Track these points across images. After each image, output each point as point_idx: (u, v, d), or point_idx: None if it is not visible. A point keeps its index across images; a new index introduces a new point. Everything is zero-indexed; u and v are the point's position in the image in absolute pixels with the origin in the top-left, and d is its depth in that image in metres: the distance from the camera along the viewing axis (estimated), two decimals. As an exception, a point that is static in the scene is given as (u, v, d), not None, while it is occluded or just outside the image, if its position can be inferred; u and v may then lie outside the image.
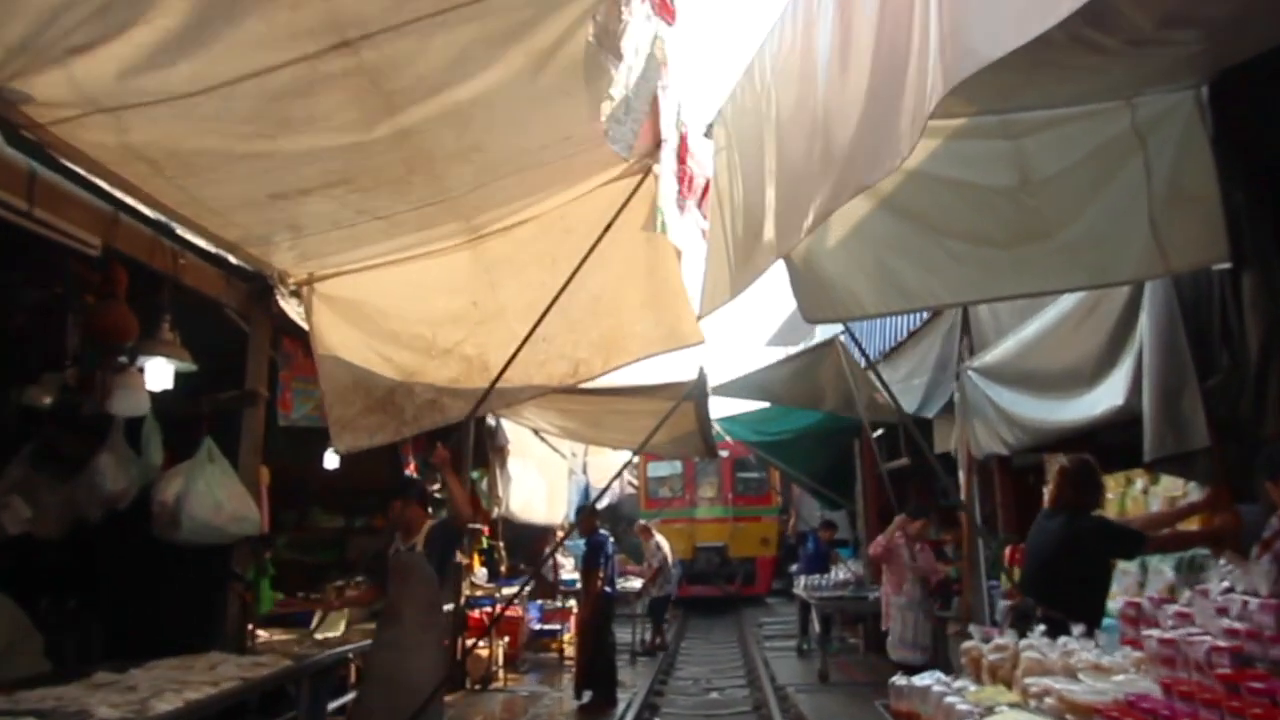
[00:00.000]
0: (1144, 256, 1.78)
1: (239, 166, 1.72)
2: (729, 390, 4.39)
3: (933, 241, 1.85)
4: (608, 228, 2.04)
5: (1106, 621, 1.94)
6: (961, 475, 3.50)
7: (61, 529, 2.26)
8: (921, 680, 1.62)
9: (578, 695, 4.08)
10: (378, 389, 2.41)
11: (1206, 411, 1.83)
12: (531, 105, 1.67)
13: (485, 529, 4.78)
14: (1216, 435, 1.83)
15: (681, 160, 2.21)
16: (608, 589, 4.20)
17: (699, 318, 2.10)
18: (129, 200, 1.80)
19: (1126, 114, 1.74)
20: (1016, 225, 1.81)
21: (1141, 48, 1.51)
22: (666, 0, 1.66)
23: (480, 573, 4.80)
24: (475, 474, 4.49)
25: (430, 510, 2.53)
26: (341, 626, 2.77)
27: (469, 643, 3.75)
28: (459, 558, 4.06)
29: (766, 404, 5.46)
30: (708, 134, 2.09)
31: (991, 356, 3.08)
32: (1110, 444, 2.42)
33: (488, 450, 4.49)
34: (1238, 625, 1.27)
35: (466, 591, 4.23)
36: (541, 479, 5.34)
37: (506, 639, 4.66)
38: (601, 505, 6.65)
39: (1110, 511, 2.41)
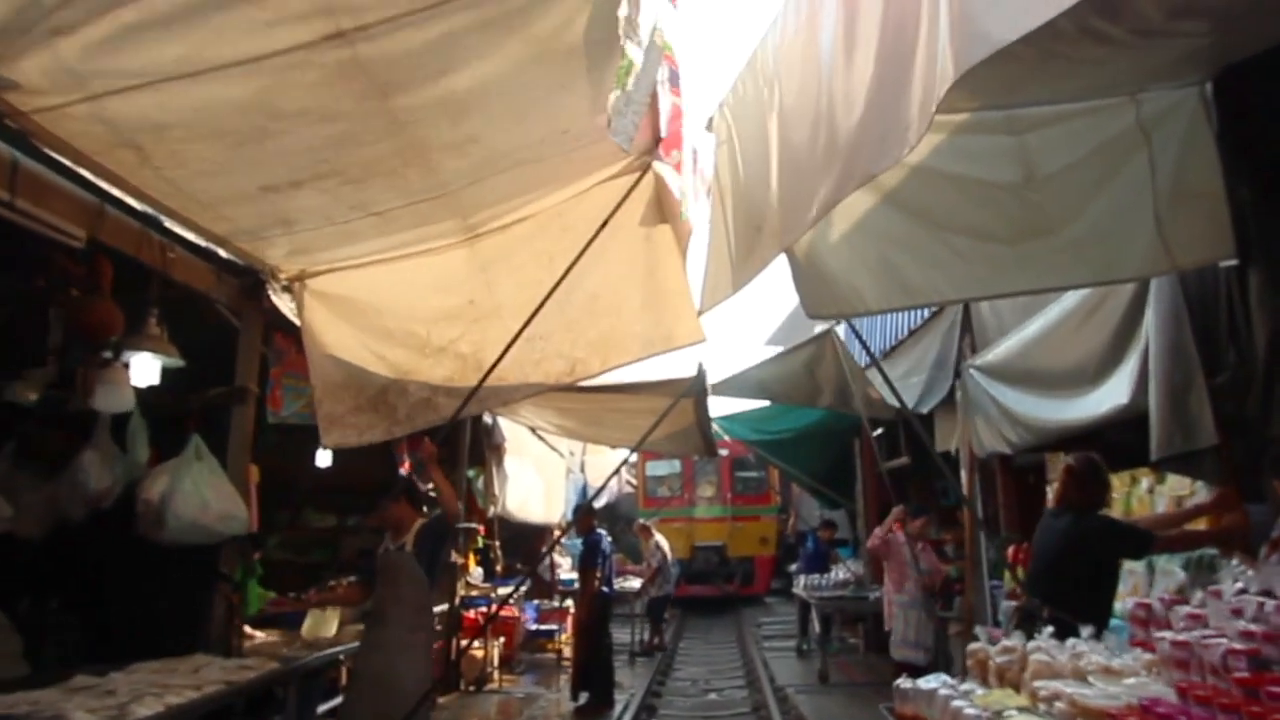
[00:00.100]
0: (1149, 253, 1.76)
1: (228, 157, 1.67)
2: (726, 389, 4.36)
3: (936, 237, 1.83)
4: (604, 224, 2.01)
5: (1113, 622, 1.91)
6: (964, 474, 3.47)
7: (43, 528, 2.21)
8: (927, 683, 1.59)
9: (574, 697, 4.04)
10: (370, 387, 2.37)
11: (1213, 410, 1.81)
12: (528, 96, 1.63)
13: (481, 528, 4.73)
14: (1224, 434, 1.81)
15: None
16: (605, 589, 4.16)
17: (700, 313, 2.06)
18: (115, 192, 1.75)
19: (1131, 110, 1.72)
20: (1020, 221, 1.80)
21: (1149, 39, 1.49)
22: (669, -18, 1.62)
23: (476, 572, 4.76)
24: (471, 472, 4.45)
25: (425, 509, 2.47)
26: (333, 627, 2.71)
27: (463, 643, 3.70)
28: (454, 557, 4.03)
29: (765, 402, 5.44)
30: (708, 127, 2.06)
31: (994, 355, 3.06)
32: (1115, 443, 2.39)
33: (484, 448, 4.45)
34: (1254, 627, 1.24)
35: (461, 591, 4.19)
36: (539, 478, 5.30)
37: (502, 639, 4.61)
38: (599, 504, 6.64)
39: (1116, 511, 2.38)
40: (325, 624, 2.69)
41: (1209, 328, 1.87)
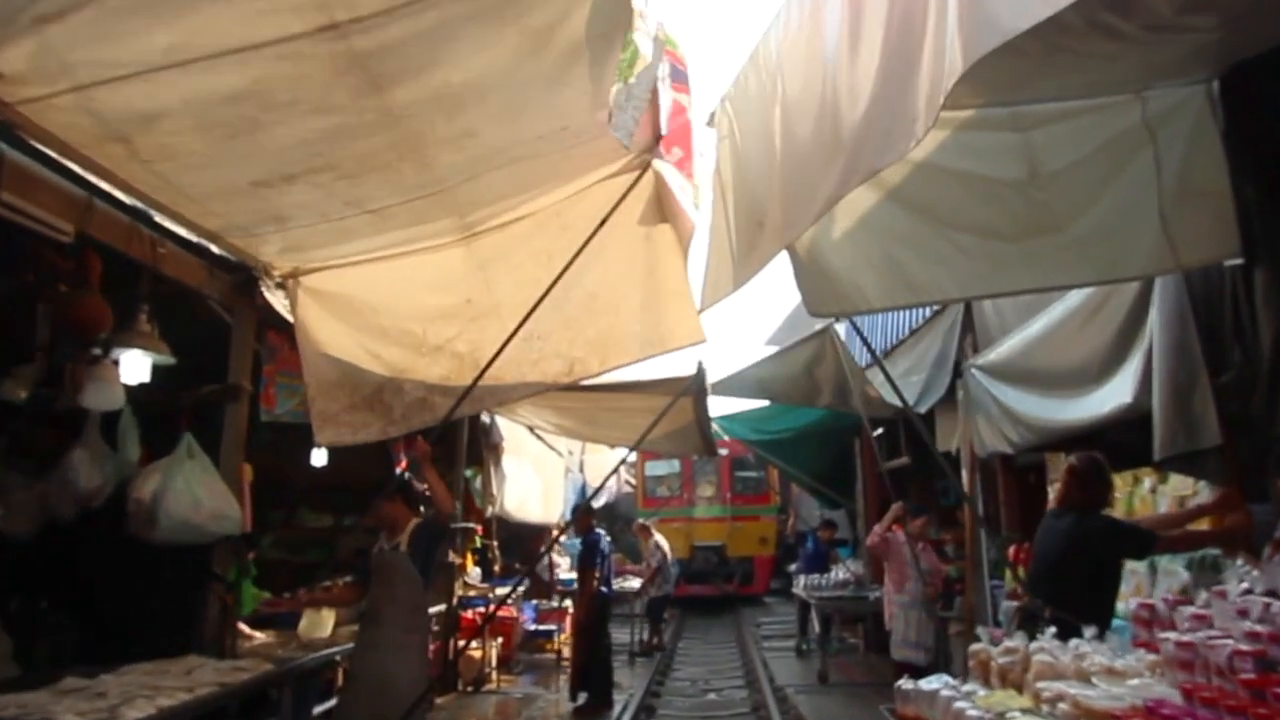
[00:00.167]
0: (1154, 251, 1.75)
1: (218, 150, 1.64)
2: (724, 388, 4.34)
3: (940, 235, 1.81)
4: (603, 222, 1.99)
5: (1115, 622, 1.90)
6: (965, 474, 3.46)
7: (33, 527, 2.18)
8: (929, 684, 1.57)
9: (573, 697, 4.01)
10: (365, 386, 2.34)
11: (1218, 409, 1.80)
12: (526, 90, 1.60)
13: (479, 528, 4.71)
14: (1228, 433, 1.80)
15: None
16: (603, 589, 4.14)
17: (701, 310, 2.04)
18: (104, 185, 1.72)
19: (1137, 107, 1.71)
20: (1025, 219, 1.78)
21: (1158, 34, 1.47)
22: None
23: (474, 572, 4.73)
24: (469, 472, 4.42)
25: (421, 508, 2.44)
26: (328, 627, 2.68)
27: (461, 643, 3.67)
28: (451, 557, 4.00)
29: (765, 402, 5.42)
30: (710, 122, 2.03)
31: (996, 354, 3.04)
32: (1117, 443, 2.38)
33: (481, 448, 4.42)
34: (1260, 628, 1.22)
35: (459, 592, 4.16)
36: (537, 477, 5.27)
37: (500, 640, 4.59)
38: (598, 504, 6.62)
39: (1118, 511, 2.37)
40: (320, 624, 2.66)
41: (1214, 327, 1.87)
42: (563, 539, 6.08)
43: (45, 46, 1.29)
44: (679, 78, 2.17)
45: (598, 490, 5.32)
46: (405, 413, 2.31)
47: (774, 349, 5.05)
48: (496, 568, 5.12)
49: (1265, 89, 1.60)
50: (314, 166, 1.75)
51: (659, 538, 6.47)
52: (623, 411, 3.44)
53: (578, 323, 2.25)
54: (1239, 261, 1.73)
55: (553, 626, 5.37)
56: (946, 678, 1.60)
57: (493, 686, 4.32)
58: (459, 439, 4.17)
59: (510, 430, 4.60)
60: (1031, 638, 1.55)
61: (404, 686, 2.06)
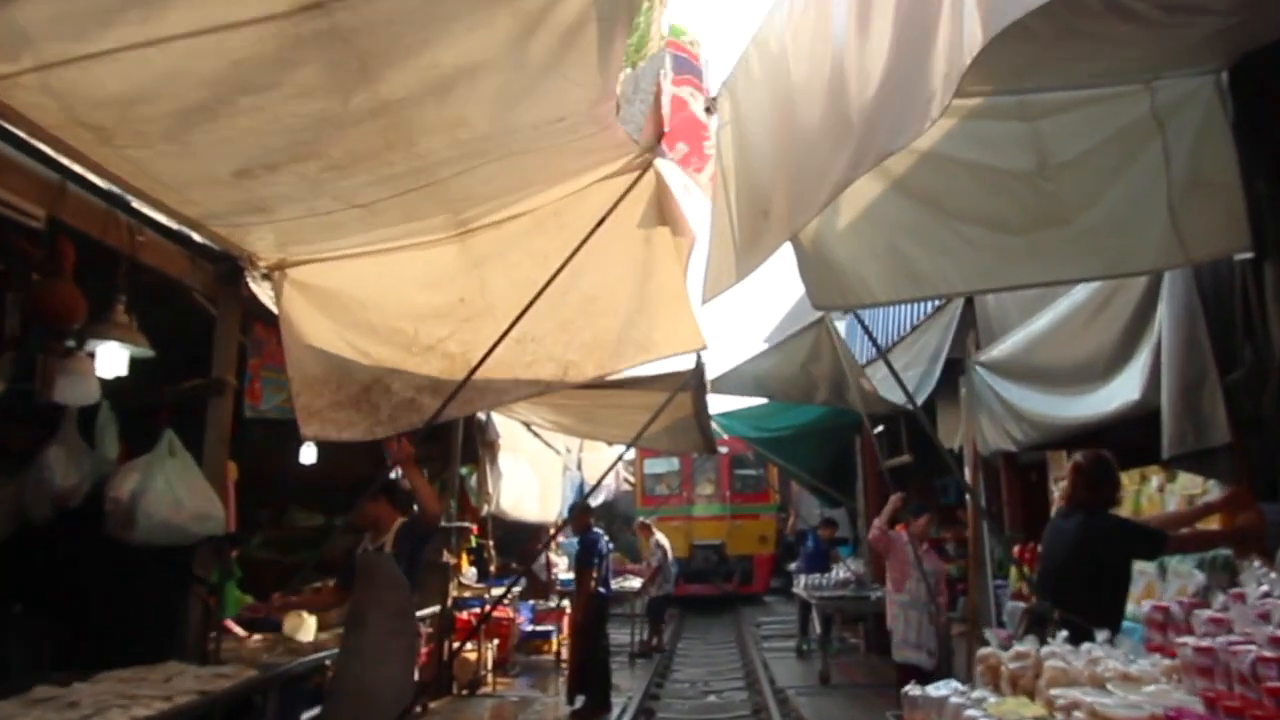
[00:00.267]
0: (1163, 245, 1.71)
1: (196, 137, 1.56)
2: (720, 386, 4.28)
3: (946, 226, 1.77)
4: (600, 223, 1.93)
5: (1124, 624, 1.85)
6: (967, 472, 3.41)
7: (7, 528, 2.11)
8: (937, 690, 1.52)
9: (570, 700, 3.95)
10: (351, 384, 2.27)
11: (1227, 407, 1.76)
12: (519, 76, 1.52)
13: (474, 527, 4.64)
14: (1238, 431, 1.76)
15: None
16: (601, 589, 4.08)
17: (703, 302, 1.98)
18: (77, 169, 1.64)
19: (1146, 98, 1.68)
20: (1033, 210, 1.74)
21: (1173, 16, 1.42)
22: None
23: (469, 572, 4.66)
24: (464, 470, 4.35)
25: (407, 508, 2.36)
26: (311, 630, 2.61)
27: (456, 645, 3.60)
28: (446, 557, 3.93)
29: (764, 400, 5.38)
30: (710, 109, 1.97)
31: (1000, 351, 2.99)
32: (1122, 441, 2.34)
33: (477, 445, 4.35)
34: (1285, 634, 1.17)
35: (454, 592, 4.09)
36: (534, 475, 5.21)
37: (496, 641, 4.53)
38: (596, 502, 6.56)
39: (1124, 510, 2.32)
40: (304, 626, 2.58)
41: (1223, 323, 1.84)
42: (560, 538, 6.02)
43: (7, 22, 1.21)
44: (683, 69, 2.11)
45: (595, 488, 5.25)
46: (393, 413, 2.25)
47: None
48: (492, 568, 5.05)
49: (1275, 80, 1.57)
50: (298, 155, 1.67)
51: (660, 536, 6.41)
52: (621, 408, 3.38)
53: (574, 325, 2.19)
54: (1249, 256, 1.70)
55: (550, 627, 5.31)
56: (955, 684, 1.55)
57: (488, 689, 4.27)
58: (454, 436, 4.10)
59: (507, 427, 4.54)
60: (1041, 641, 1.50)
61: (389, 694, 2.00)
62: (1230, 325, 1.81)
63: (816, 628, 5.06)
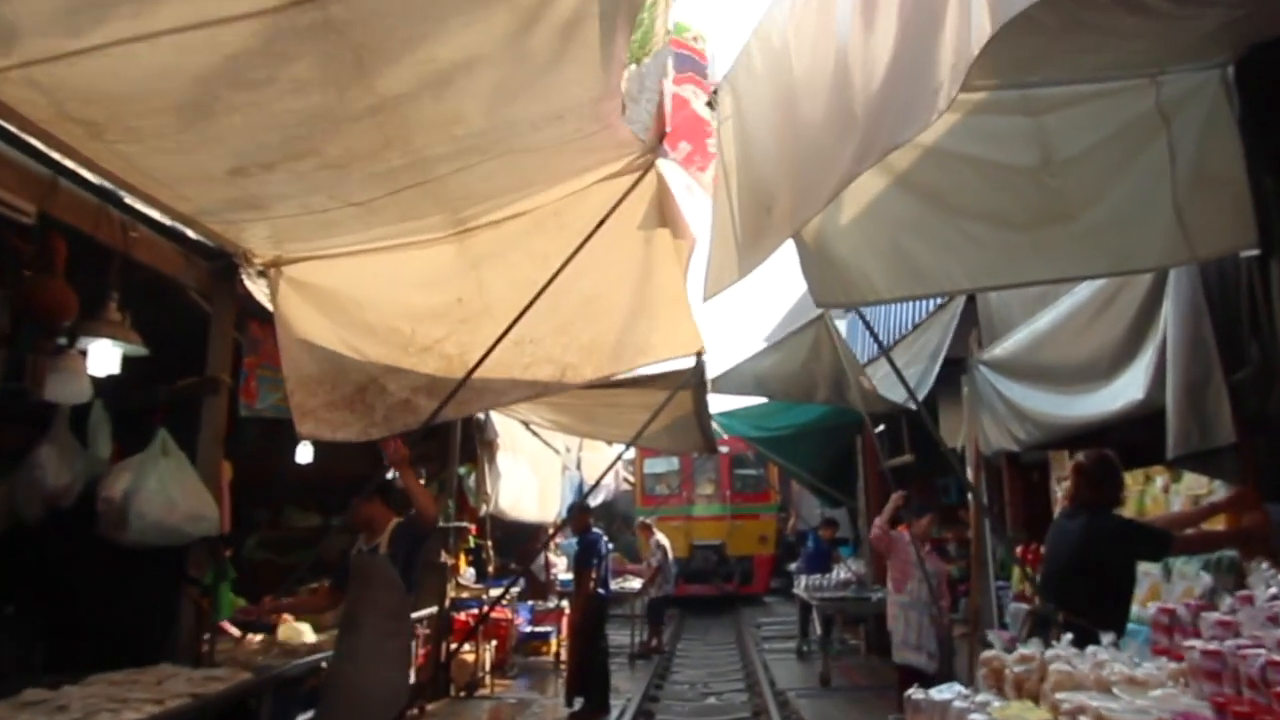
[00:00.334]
0: (1168, 242, 1.69)
1: (189, 134, 1.54)
2: (719, 385, 4.26)
3: (949, 222, 1.75)
4: (600, 224, 1.91)
5: (1128, 626, 1.83)
6: (970, 472, 3.38)
7: (-1, 528, 2.08)
8: (940, 694, 1.49)
9: (569, 702, 3.92)
10: (346, 384, 2.24)
11: (1233, 406, 1.73)
12: (517, 72, 1.50)
13: (472, 528, 4.61)
14: (1244, 431, 1.73)
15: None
16: (601, 590, 4.05)
17: (705, 299, 1.96)
18: (69, 163, 1.61)
19: (1151, 92, 1.66)
20: (1037, 207, 1.72)
21: (1181, 7, 1.40)
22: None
23: (467, 573, 4.63)
24: (462, 470, 4.32)
25: (402, 509, 2.34)
26: (309, 631, 2.58)
27: (453, 647, 3.57)
28: (444, 557, 3.90)
29: (764, 399, 5.35)
30: (710, 103, 1.94)
31: (1002, 349, 2.97)
32: (1126, 440, 2.31)
33: (475, 444, 4.33)
34: (1296, 637, 1.15)
35: (452, 593, 4.06)
36: (533, 475, 5.18)
37: (494, 643, 4.49)
38: (595, 502, 6.53)
39: (1128, 510, 2.30)
40: (299, 627, 2.55)
41: (1229, 320, 1.81)
42: (559, 539, 5.99)
43: (-1, 14, 1.20)
44: (685, 67, 2.07)
45: (594, 487, 5.23)
46: (388, 414, 2.23)
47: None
48: (491, 568, 5.02)
49: (1281, 75, 1.55)
50: (294, 153, 1.65)
51: (660, 536, 6.38)
52: (621, 407, 3.36)
53: (573, 327, 2.17)
54: (1255, 253, 1.67)
55: (549, 628, 5.28)
56: (958, 687, 1.52)
57: (486, 691, 4.23)
58: (452, 435, 4.07)
59: (505, 426, 4.51)
60: (1046, 644, 1.47)
61: (384, 696, 1.98)
62: (1236, 323, 1.78)
63: (817, 629, 5.03)
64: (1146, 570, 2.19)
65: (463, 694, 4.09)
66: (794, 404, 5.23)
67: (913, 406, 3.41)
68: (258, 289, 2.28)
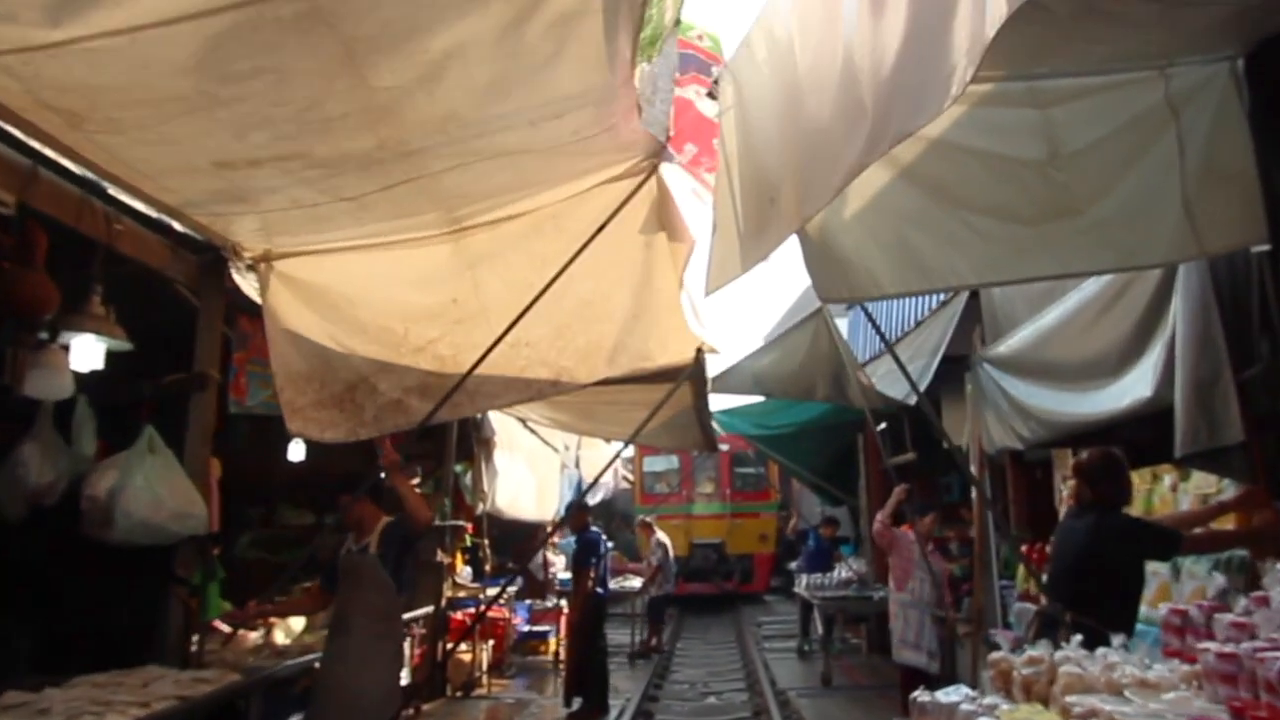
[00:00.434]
0: (1177, 237, 1.66)
1: (173, 127, 1.48)
2: (717, 385, 4.21)
3: (955, 216, 1.71)
4: (600, 229, 1.88)
5: (1137, 627, 1.79)
6: (973, 470, 3.35)
7: (-19, 527, 2.03)
8: (947, 696, 1.45)
9: (567, 702, 3.88)
10: (336, 383, 2.20)
11: (1242, 404, 1.70)
12: (514, 68, 1.45)
13: (469, 526, 4.57)
14: (1253, 429, 1.70)
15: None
16: (599, 589, 4.02)
17: (706, 294, 1.91)
18: (49, 153, 1.56)
19: (1160, 85, 1.63)
20: (1044, 201, 1.69)
21: (1196, -8, 1.35)
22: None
23: (464, 572, 4.59)
24: (459, 467, 4.28)
25: (390, 508, 2.29)
26: (298, 629, 2.53)
27: (449, 646, 3.54)
28: (440, 556, 3.86)
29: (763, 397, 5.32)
30: (711, 94, 1.90)
31: (1007, 347, 2.93)
32: (1133, 439, 2.27)
33: (472, 442, 4.28)
34: (1317, 640, 1.11)
35: (449, 592, 4.03)
36: (531, 473, 5.13)
37: (491, 642, 4.46)
38: (594, 500, 6.50)
39: (1136, 510, 2.26)
40: (289, 626, 2.51)
41: (1239, 317, 1.78)
42: (557, 537, 5.95)
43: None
44: (689, 67, 2.02)
45: (592, 485, 5.18)
46: (378, 415, 2.19)
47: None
48: (488, 567, 4.99)
49: (1292, 68, 1.51)
50: (282, 152, 1.60)
51: (661, 535, 6.34)
52: (620, 404, 3.31)
53: (569, 331, 2.14)
54: (1266, 248, 1.64)
55: (547, 628, 5.24)
56: (965, 689, 1.48)
57: (483, 691, 4.19)
58: (448, 433, 4.03)
59: (503, 424, 4.47)
60: (1056, 646, 1.43)
61: (375, 699, 1.95)
62: (1246, 320, 1.76)
63: (818, 628, 5.00)
64: (1155, 570, 2.15)
65: (459, 694, 4.05)
66: (795, 402, 5.20)
67: (913, 401, 3.37)
68: (246, 283, 2.24)
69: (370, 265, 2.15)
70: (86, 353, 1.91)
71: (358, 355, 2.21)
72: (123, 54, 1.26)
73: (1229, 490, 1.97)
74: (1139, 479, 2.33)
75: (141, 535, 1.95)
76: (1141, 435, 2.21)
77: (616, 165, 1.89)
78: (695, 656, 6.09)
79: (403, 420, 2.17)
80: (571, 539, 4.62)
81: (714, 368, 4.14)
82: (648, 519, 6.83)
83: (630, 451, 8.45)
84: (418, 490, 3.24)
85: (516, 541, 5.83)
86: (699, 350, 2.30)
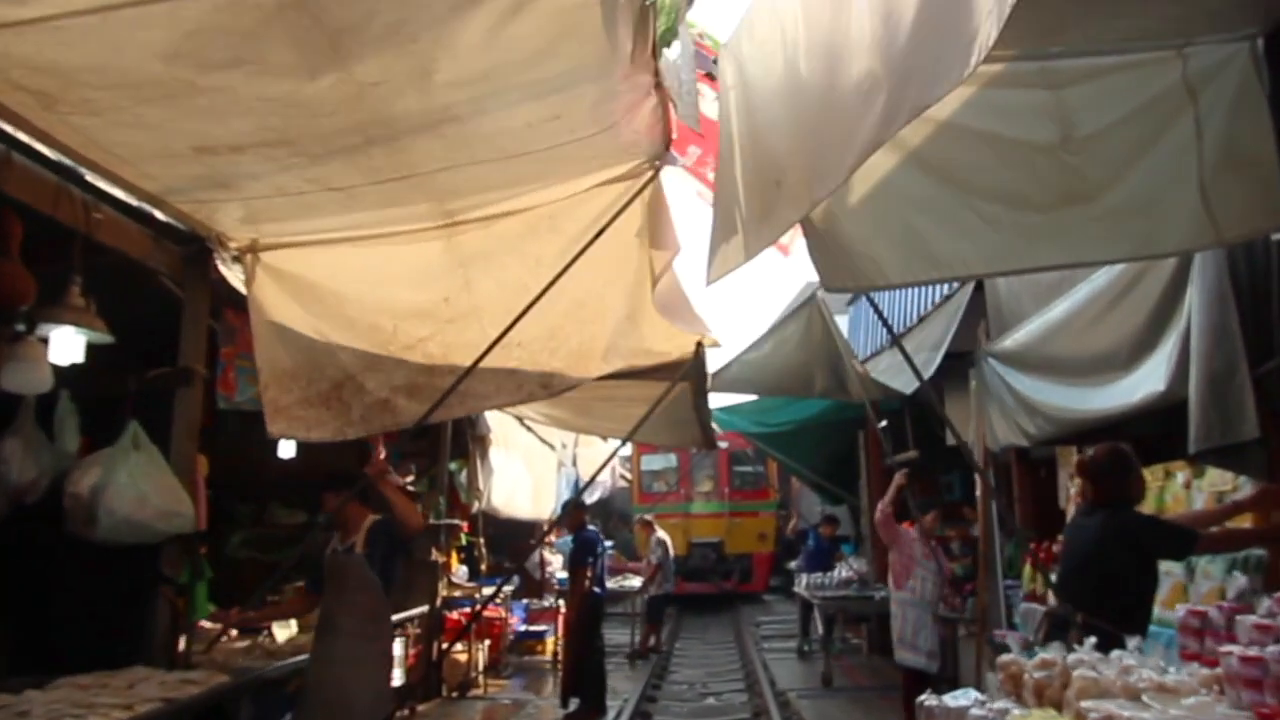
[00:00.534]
0: (1193, 225, 1.59)
1: (150, 111, 1.42)
2: (713, 385, 4.14)
3: (964, 203, 1.65)
4: (600, 232, 1.83)
5: (1149, 629, 1.74)
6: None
7: (-40, 526, 1.98)
8: (955, 700, 1.41)
9: (564, 703, 3.86)
10: (322, 380, 2.14)
11: (1258, 399, 1.65)
12: (506, 63, 1.39)
13: (464, 525, 4.52)
14: (1270, 424, 1.65)
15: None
16: (596, 589, 3.97)
17: (707, 284, 1.85)
18: (23, 137, 1.50)
19: (1177, 66, 1.56)
20: (1057, 186, 1.63)
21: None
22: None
23: (460, 571, 4.54)
24: (453, 465, 4.23)
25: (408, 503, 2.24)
26: (292, 630, 2.48)
27: (444, 646, 3.50)
28: (435, 555, 3.81)
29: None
30: (710, 74, 1.83)
31: (1013, 341, 2.87)
32: (1143, 434, 2.22)
33: (467, 440, 4.23)
34: (1346, 643, 1.05)
35: (444, 592, 3.98)
36: (527, 472, 5.09)
37: (487, 642, 4.42)
38: (592, 499, 6.46)
39: (1147, 508, 2.21)
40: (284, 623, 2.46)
41: (1257, 308, 1.73)
42: (554, 537, 5.91)
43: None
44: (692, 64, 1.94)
45: (589, 483, 5.14)
46: (365, 414, 2.13)
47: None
48: (484, 566, 4.93)
49: (1315, 49, 1.45)
50: (266, 140, 1.53)
51: (661, 533, 6.29)
52: (617, 400, 3.26)
53: (561, 332, 2.09)
54: (1286, 237, 1.59)
55: (544, 628, 5.21)
56: (974, 694, 1.43)
57: (479, 691, 4.16)
58: (443, 431, 3.97)
59: (498, 421, 4.42)
60: (1069, 648, 1.38)
61: (364, 702, 1.89)
62: (1264, 311, 1.71)
63: (818, 628, 4.96)
64: (1169, 570, 2.10)
65: (455, 694, 4.02)
66: (794, 399, 5.13)
67: (906, 394, 3.30)
68: (232, 275, 2.18)
69: (360, 260, 2.10)
70: (66, 345, 1.85)
71: (345, 351, 2.16)
72: (94, 33, 1.20)
73: (1245, 488, 1.92)
74: (1152, 476, 2.29)
75: (126, 533, 1.89)
76: (1148, 430, 2.15)
77: (617, 166, 1.84)
78: (694, 657, 6.07)
79: (390, 421, 2.13)
80: (568, 538, 4.58)
81: (714, 363, 4.09)
82: (648, 517, 6.80)
83: (628, 449, 8.37)
84: (409, 491, 3.19)
85: (513, 540, 5.78)
86: (699, 344, 2.24)
